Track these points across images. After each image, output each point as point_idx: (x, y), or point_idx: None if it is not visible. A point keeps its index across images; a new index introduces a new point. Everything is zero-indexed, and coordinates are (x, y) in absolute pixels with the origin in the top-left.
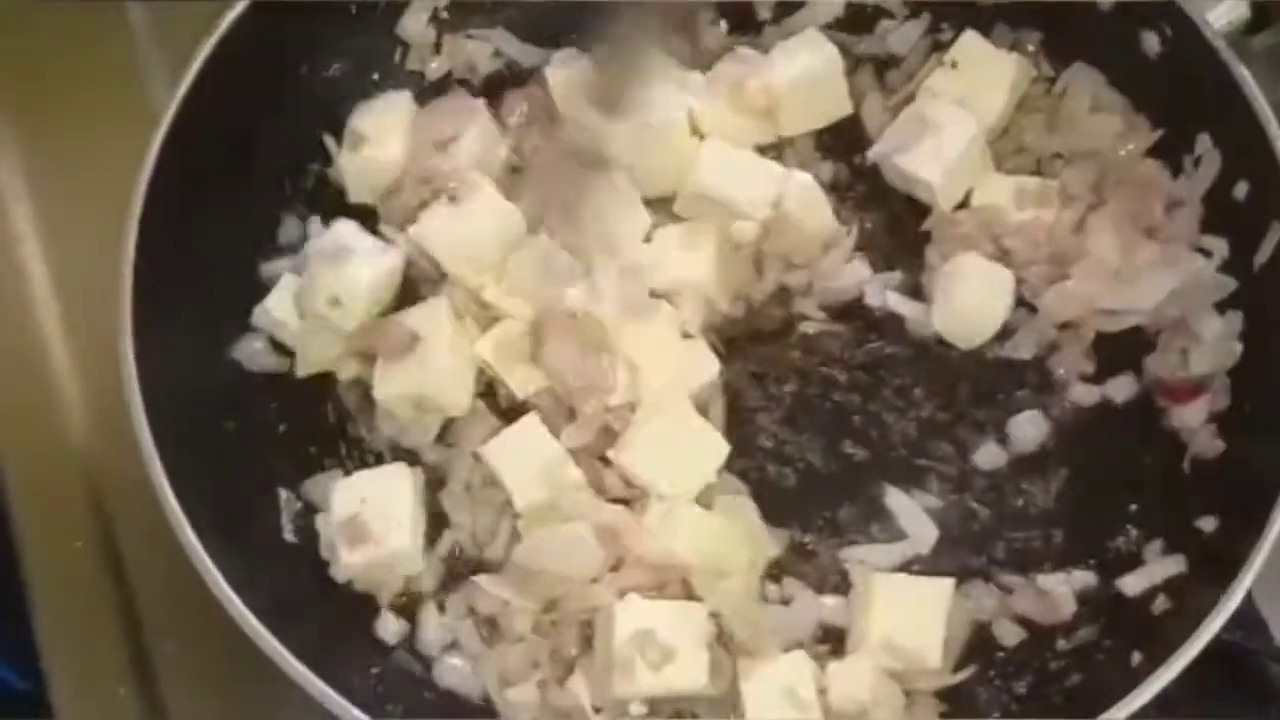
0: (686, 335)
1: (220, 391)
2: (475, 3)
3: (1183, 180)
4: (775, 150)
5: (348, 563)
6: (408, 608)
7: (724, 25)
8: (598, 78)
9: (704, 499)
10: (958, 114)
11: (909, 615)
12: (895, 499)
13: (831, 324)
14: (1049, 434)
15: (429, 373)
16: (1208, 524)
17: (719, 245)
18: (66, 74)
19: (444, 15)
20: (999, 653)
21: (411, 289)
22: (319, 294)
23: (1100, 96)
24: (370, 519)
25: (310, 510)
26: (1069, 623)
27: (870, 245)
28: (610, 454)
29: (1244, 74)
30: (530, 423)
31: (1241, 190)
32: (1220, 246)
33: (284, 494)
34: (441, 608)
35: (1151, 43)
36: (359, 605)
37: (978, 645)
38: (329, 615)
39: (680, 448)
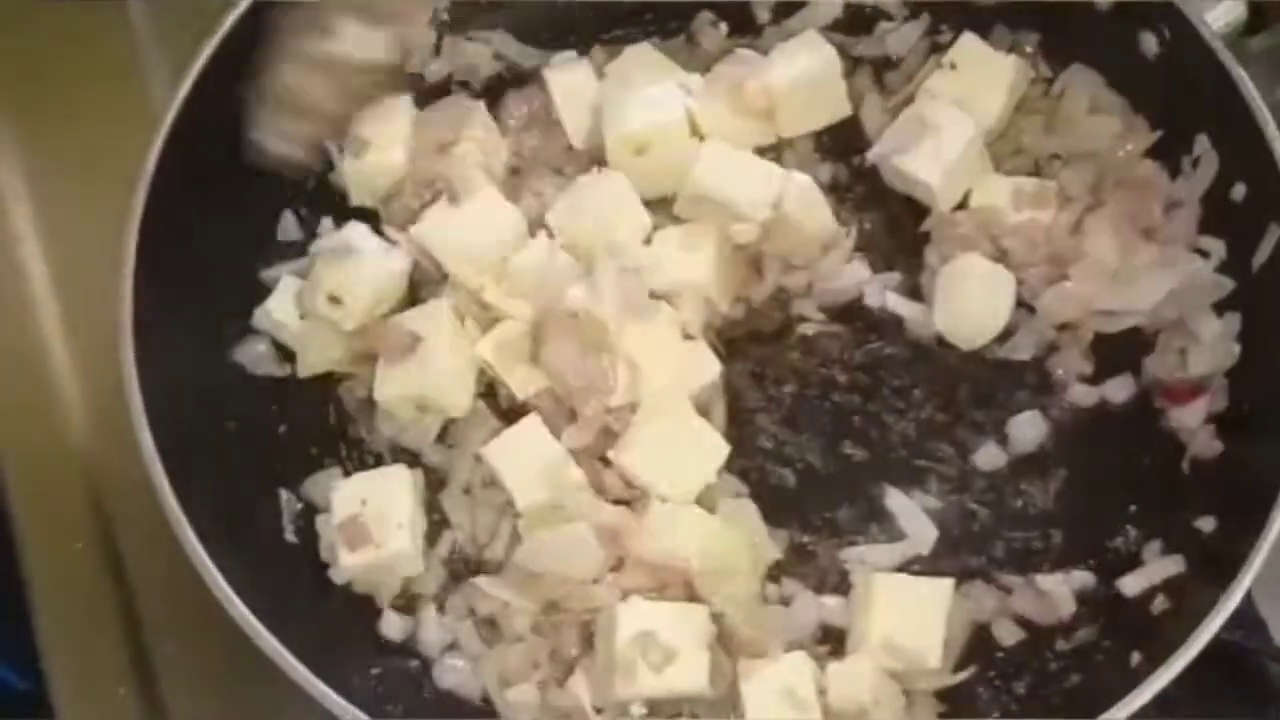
0: (687, 336)
1: (220, 392)
2: (475, 5)
3: (1181, 181)
4: (774, 151)
5: (347, 564)
6: (408, 608)
7: (723, 27)
8: None
9: (704, 500)
10: (956, 115)
11: (909, 615)
12: (895, 499)
13: (831, 325)
14: (1048, 435)
15: (430, 374)
16: (1207, 524)
17: (719, 246)
18: (66, 74)
19: (444, 17)
20: (998, 653)
21: (412, 290)
22: (320, 292)
23: (1098, 98)
24: (370, 520)
25: (310, 511)
26: (1068, 623)
27: (869, 246)
28: (610, 455)
29: (1242, 75)
30: (531, 423)
31: (1239, 191)
32: (1218, 247)
33: (284, 495)
34: (441, 608)
35: (1150, 44)
36: (359, 605)
37: (977, 645)
38: (329, 615)
39: (680, 448)
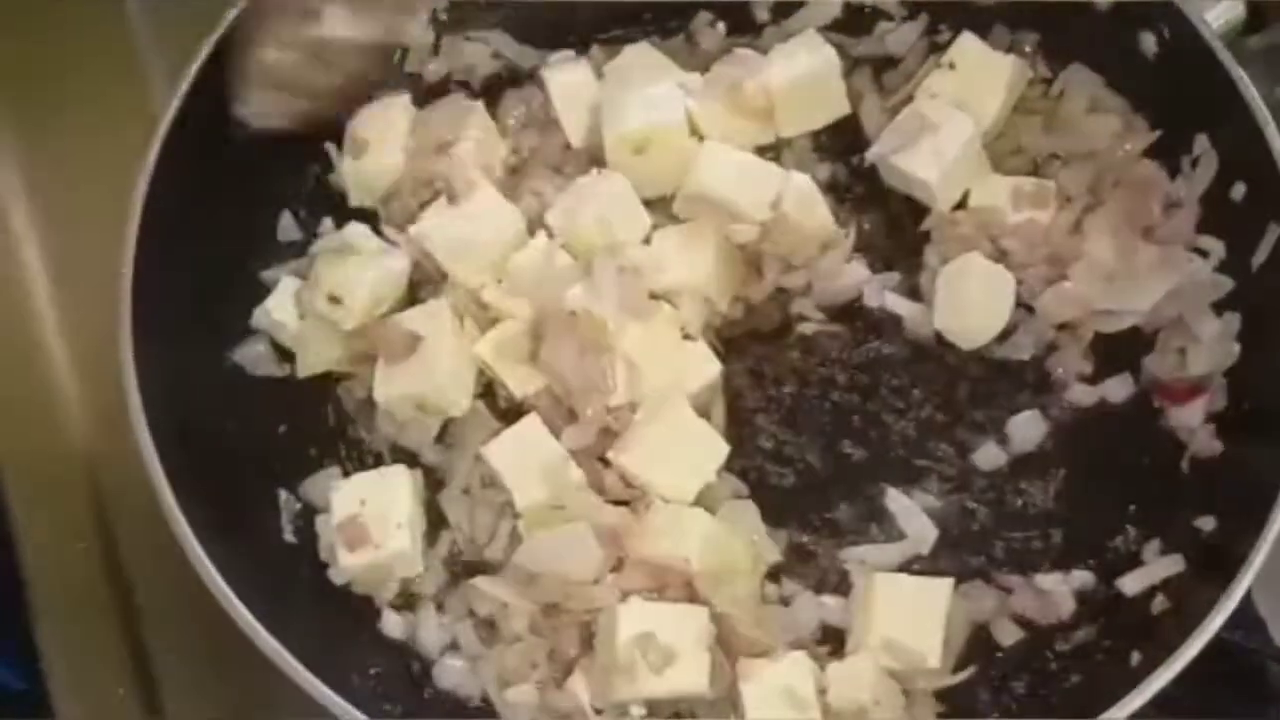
0: (687, 336)
1: (220, 392)
2: (473, 4)
3: (1180, 181)
4: (773, 151)
5: (347, 564)
6: (407, 608)
7: (722, 27)
8: None
9: (704, 500)
10: (955, 115)
11: (909, 615)
12: (894, 499)
13: (830, 325)
14: (1048, 434)
15: (429, 374)
16: (1206, 524)
17: (718, 246)
18: (66, 74)
19: (442, 17)
20: (998, 653)
21: (412, 290)
22: (320, 292)
23: (1098, 97)
24: (370, 520)
25: (310, 511)
26: (1068, 623)
27: (868, 246)
28: (610, 455)
29: (1241, 74)
30: (532, 423)
31: (1239, 191)
32: (1217, 247)
33: (284, 495)
34: (441, 608)
35: (1149, 43)
36: (358, 605)
37: (977, 645)
38: (329, 615)
39: (680, 448)
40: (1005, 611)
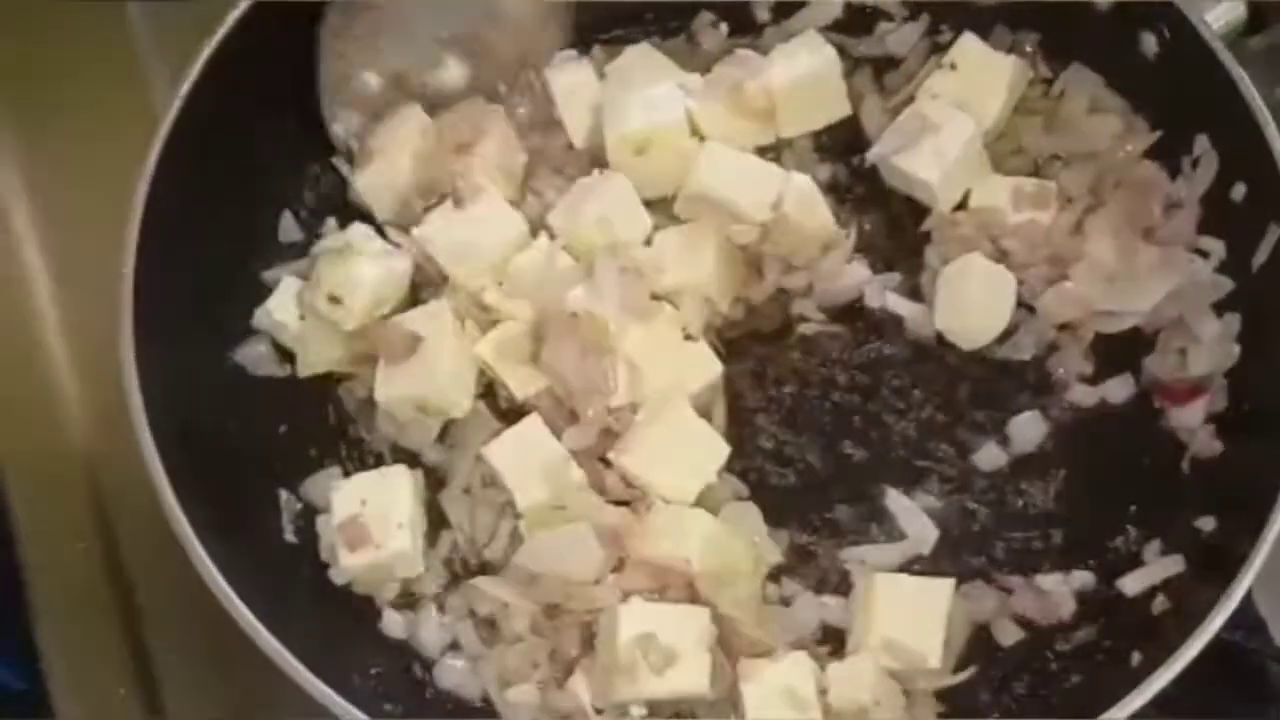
0: (688, 337)
1: (221, 392)
2: None
3: (1181, 181)
4: (774, 151)
5: (348, 564)
6: (408, 608)
7: (723, 27)
8: None
9: (705, 500)
10: (956, 115)
11: (909, 615)
12: (895, 500)
13: (831, 325)
14: (1048, 435)
15: (430, 375)
16: (1206, 524)
17: (719, 247)
18: (66, 74)
19: None
20: (998, 653)
21: (413, 292)
22: (321, 292)
23: (1098, 98)
24: (370, 520)
25: (310, 511)
26: (1068, 623)
27: (869, 246)
28: (611, 455)
29: (1242, 75)
30: (533, 423)
31: (1239, 191)
32: (1218, 248)
33: (284, 495)
34: (441, 608)
35: (1149, 44)
36: (359, 605)
37: (977, 645)
38: (329, 615)
39: (681, 449)
40: (1006, 612)
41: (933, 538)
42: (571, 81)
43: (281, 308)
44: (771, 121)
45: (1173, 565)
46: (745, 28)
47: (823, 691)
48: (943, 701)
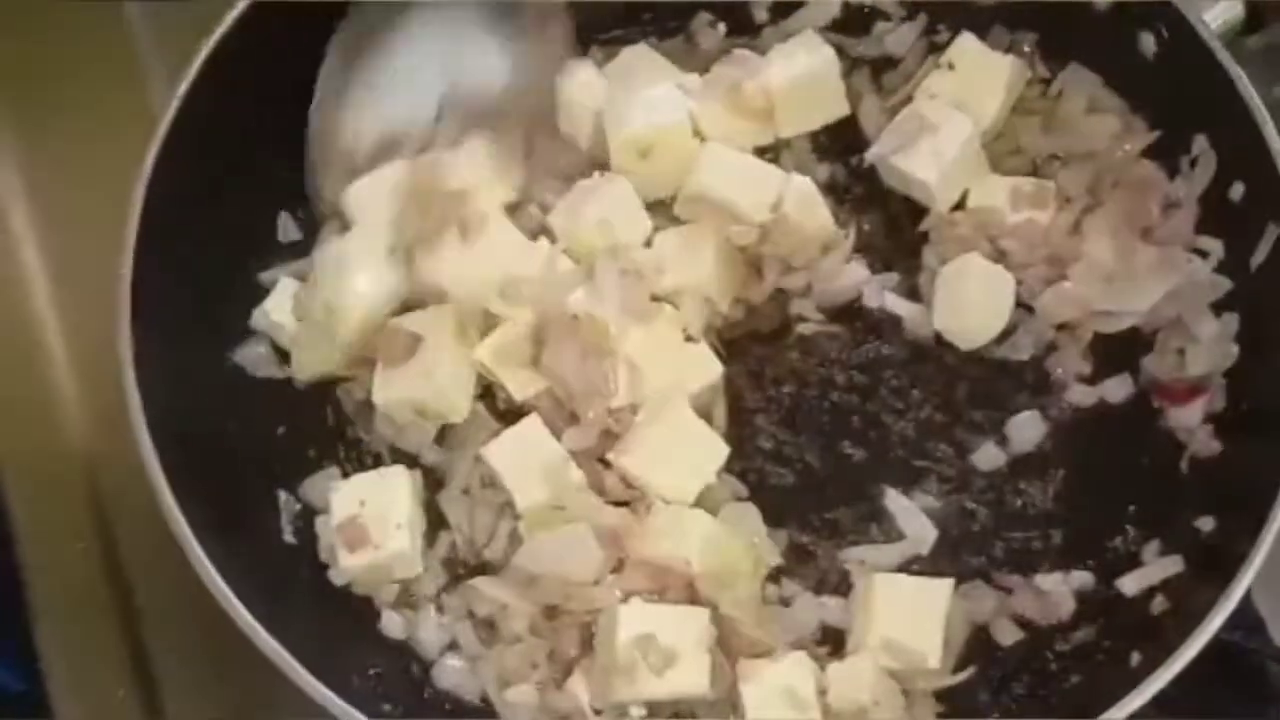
0: (688, 338)
1: (220, 392)
2: None
3: (1179, 181)
4: (772, 152)
5: (347, 565)
6: (407, 608)
7: (722, 27)
8: None
9: (704, 501)
10: (954, 115)
11: (909, 615)
12: (894, 500)
13: (830, 325)
14: (1047, 435)
15: (429, 378)
16: (1206, 524)
17: (719, 248)
18: (66, 74)
19: None
20: (998, 653)
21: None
22: (317, 300)
23: (1096, 97)
24: (369, 521)
25: (309, 512)
26: (1068, 623)
27: (868, 247)
28: (610, 456)
29: (1240, 74)
30: (532, 424)
31: (1237, 191)
32: (1216, 247)
33: (283, 496)
34: (440, 609)
35: (1148, 43)
36: (358, 606)
37: (977, 645)
38: (328, 616)
39: (680, 450)
40: (1005, 612)
41: (932, 538)
42: (572, 84)
43: (279, 309)
44: (770, 122)
45: (1172, 565)
46: (743, 28)
47: (822, 692)
48: (942, 701)
